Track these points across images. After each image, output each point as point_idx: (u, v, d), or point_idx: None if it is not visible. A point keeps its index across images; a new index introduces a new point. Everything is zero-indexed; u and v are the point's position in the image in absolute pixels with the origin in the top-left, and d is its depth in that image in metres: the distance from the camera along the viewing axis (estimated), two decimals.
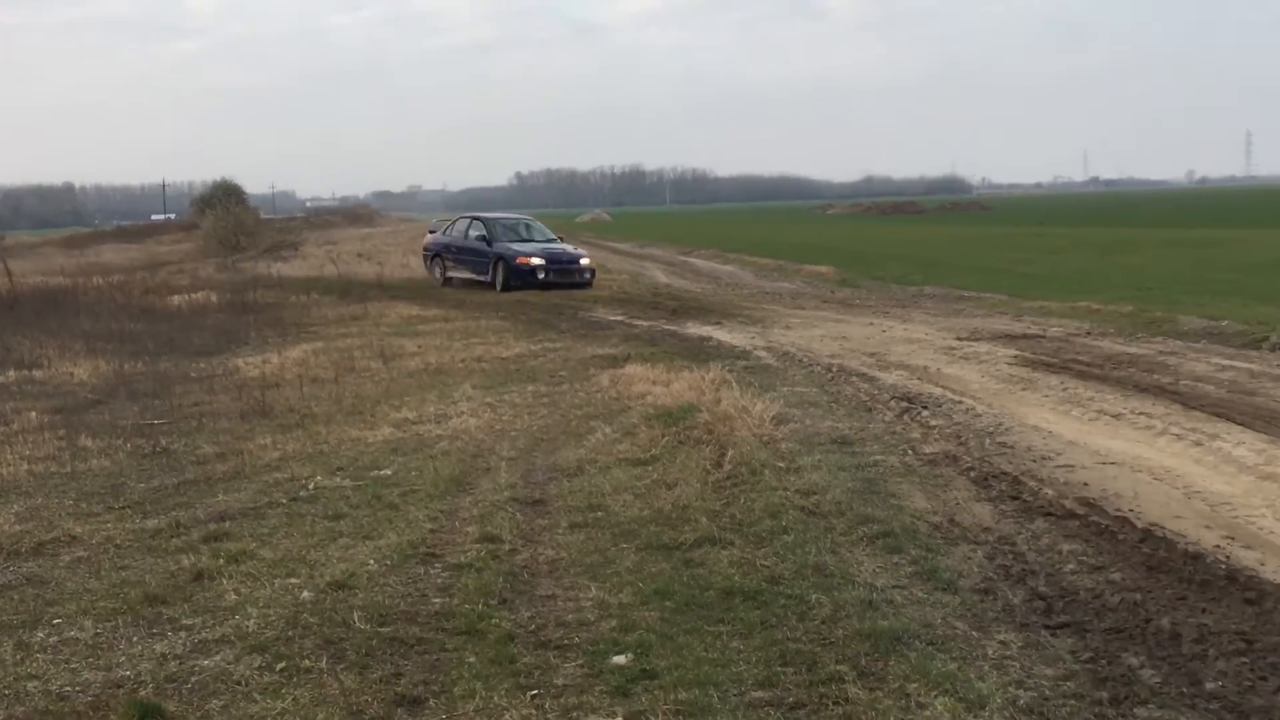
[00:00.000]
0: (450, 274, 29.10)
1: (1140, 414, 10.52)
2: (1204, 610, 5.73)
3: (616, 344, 16.43)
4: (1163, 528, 7.05)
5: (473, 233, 28.79)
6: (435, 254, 30.28)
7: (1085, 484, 8.15)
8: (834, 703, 4.75)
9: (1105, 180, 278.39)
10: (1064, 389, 11.94)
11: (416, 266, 35.06)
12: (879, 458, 9.03)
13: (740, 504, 7.69)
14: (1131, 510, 7.45)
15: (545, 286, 26.07)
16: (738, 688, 4.92)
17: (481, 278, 27.65)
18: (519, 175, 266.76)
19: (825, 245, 44.05)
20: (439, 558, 6.82)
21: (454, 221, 31.20)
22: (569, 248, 28.48)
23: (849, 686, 4.86)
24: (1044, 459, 8.93)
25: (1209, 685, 4.91)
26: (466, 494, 8.24)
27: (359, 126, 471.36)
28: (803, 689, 4.89)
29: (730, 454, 8.85)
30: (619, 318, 20.66)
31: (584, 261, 27.52)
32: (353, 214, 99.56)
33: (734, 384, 11.77)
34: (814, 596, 5.94)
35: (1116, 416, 10.49)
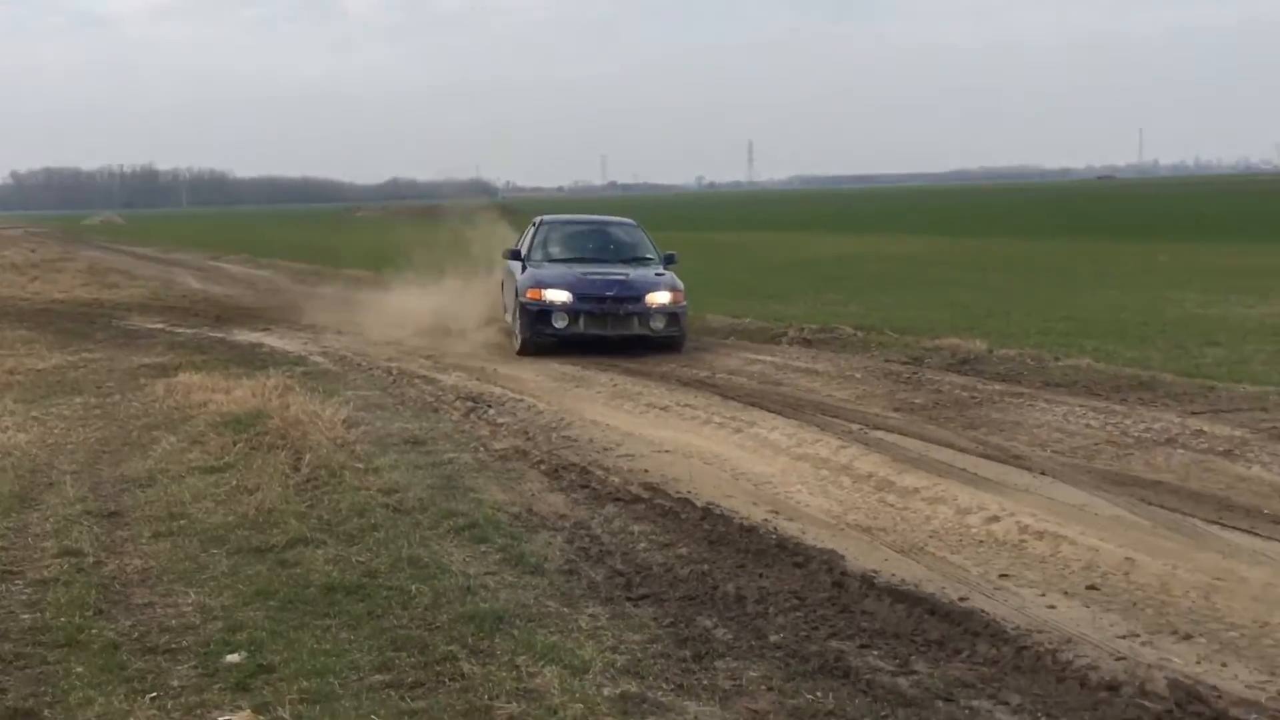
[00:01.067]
0: (506, 316, 17.06)
1: (685, 405, 11.47)
2: (761, 575, 6.47)
3: (163, 352, 15.93)
4: (719, 506, 7.82)
5: (518, 246, 17.40)
6: (503, 283, 17.98)
7: (646, 470, 8.87)
8: (450, 679, 5.08)
9: (622, 185, 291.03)
10: (614, 385, 12.79)
11: None
12: (452, 455, 9.41)
13: (325, 505, 7.86)
14: (690, 492, 8.21)
15: (573, 342, 15.20)
16: (356, 674, 5.15)
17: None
18: (15, 175, 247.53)
19: (361, 249, 43.85)
20: (18, 575, 6.59)
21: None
22: (632, 272, 15.91)
23: (462, 664, 5.20)
24: (606, 450, 9.62)
25: (773, 638, 5.59)
26: (33, 510, 7.93)
27: None
28: (419, 670, 5.18)
29: (307, 458, 8.97)
30: (159, 325, 19.97)
31: (656, 299, 15.24)
32: None
33: (298, 389, 11.82)
34: (414, 587, 6.23)
35: (665, 409, 11.39)
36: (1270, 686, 4.99)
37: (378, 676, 5.13)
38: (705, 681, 5.07)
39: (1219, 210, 58.11)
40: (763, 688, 5.01)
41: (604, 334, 15.09)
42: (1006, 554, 6.86)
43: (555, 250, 16.90)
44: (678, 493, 8.19)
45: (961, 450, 9.36)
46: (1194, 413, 10.40)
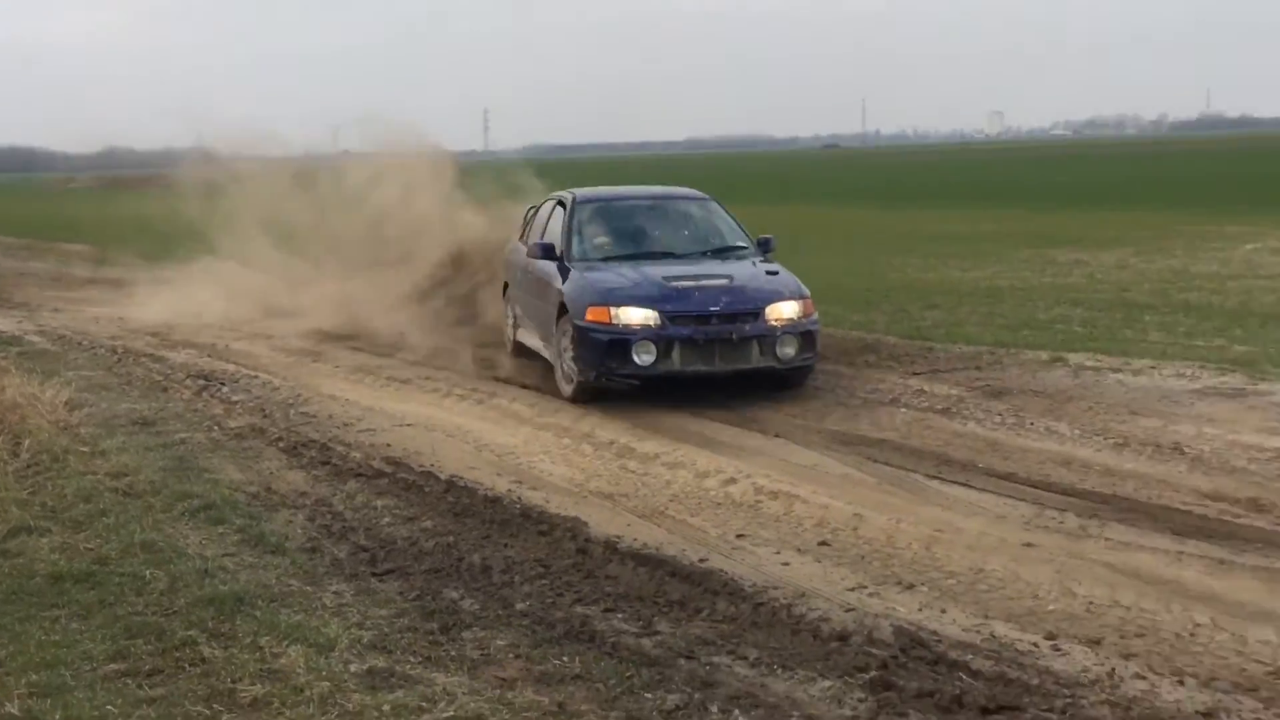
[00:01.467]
0: (520, 335, 12.42)
1: (426, 378, 11.43)
2: (507, 545, 6.53)
3: None
4: (463, 478, 7.85)
5: (546, 239, 11.75)
6: (506, 285, 13.26)
7: (388, 445, 8.81)
8: (191, 664, 4.96)
9: (356, 153, 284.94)
10: (354, 359, 12.62)
11: None
12: (185, 435, 9.13)
13: (49, 491, 7.54)
14: (433, 465, 8.20)
15: (661, 381, 10.12)
16: (90, 664, 4.99)
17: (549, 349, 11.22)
18: None
19: (76, 221, 41.80)
20: None
21: (540, 210, 12.96)
22: (736, 273, 10.86)
23: (202, 648, 5.09)
24: (347, 425, 9.50)
25: (519, 605, 5.66)
26: None
27: None
28: (157, 656, 5.05)
29: (27, 442, 8.59)
30: None
31: (781, 312, 10.26)
32: None
33: (14, 370, 11.25)
34: (148, 572, 6.05)
35: (405, 382, 11.32)
36: (984, 629, 5.32)
37: (113, 666, 4.98)
38: (453, 652, 5.10)
39: (936, 178, 60.90)
40: (511, 655, 5.07)
41: (710, 370, 10.12)
42: (743, 515, 7.09)
43: (605, 243, 11.50)
44: (421, 466, 8.17)
45: (699, 415, 9.60)
46: (915, 373, 10.93)
